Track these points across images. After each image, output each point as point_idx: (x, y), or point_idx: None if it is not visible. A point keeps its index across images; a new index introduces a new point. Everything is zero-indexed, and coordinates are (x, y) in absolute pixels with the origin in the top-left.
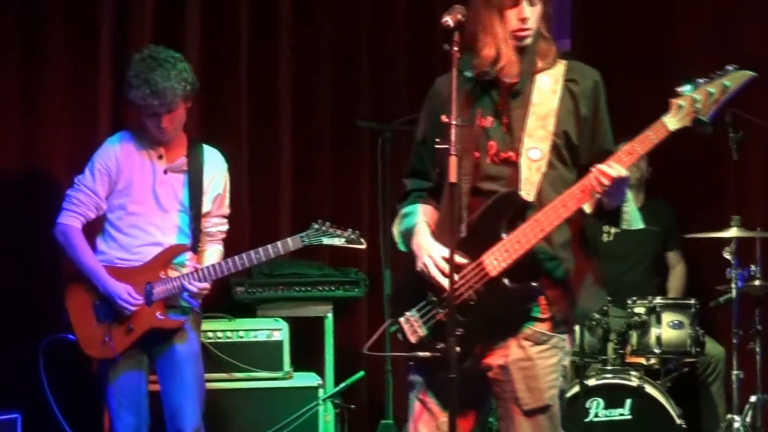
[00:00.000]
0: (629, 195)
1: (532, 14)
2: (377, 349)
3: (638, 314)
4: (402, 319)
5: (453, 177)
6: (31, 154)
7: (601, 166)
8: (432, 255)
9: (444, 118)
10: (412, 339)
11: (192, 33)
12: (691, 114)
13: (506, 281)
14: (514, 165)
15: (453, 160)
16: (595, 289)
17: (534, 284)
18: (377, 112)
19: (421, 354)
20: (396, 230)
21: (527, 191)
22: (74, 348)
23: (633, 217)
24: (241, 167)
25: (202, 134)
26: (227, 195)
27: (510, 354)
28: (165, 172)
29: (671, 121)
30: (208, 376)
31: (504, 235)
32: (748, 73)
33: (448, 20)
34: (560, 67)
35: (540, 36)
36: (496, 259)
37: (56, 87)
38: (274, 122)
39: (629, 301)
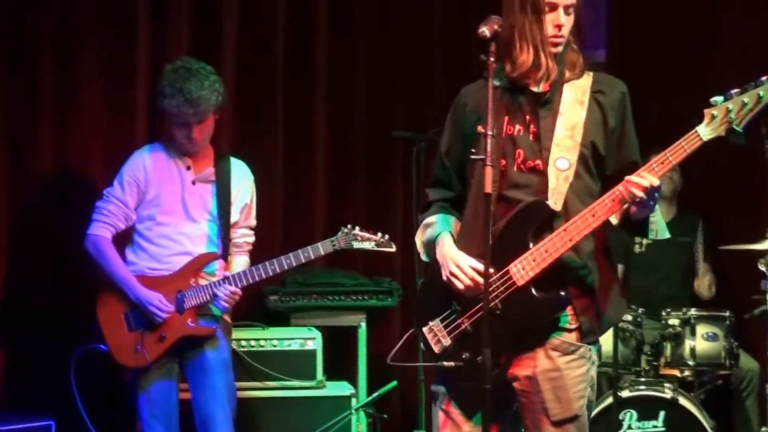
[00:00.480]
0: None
1: (567, 22)
2: (409, 359)
3: (672, 326)
4: (425, 329)
5: (488, 188)
6: (65, 156)
7: (633, 177)
8: (459, 264)
9: (480, 129)
10: (436, 349)
11: (228, 46)
12: (725, 123)
13: (534, 291)
14: (542, 174)
15: (488, 171)
16: (620, 299)
17: (562, 293)
18: (411, 122)
19: (446, 363)
20: (419, 240)
21: (554, 200)
22: (106, 358)
23: (660, 227)
24: (275, 178)
25: (237, 145)
26: (254, 206)
27: (538, 365)
28: (193, 182)
29: (705, 131)
30: (241, 384)
31: (531, 245)
32: None
33: (485, 30)
34: (587, 79)
35: (569, 47)
36: (523, 268)
37: (91, 89)
38: (309, 132)
39: (663, 313)
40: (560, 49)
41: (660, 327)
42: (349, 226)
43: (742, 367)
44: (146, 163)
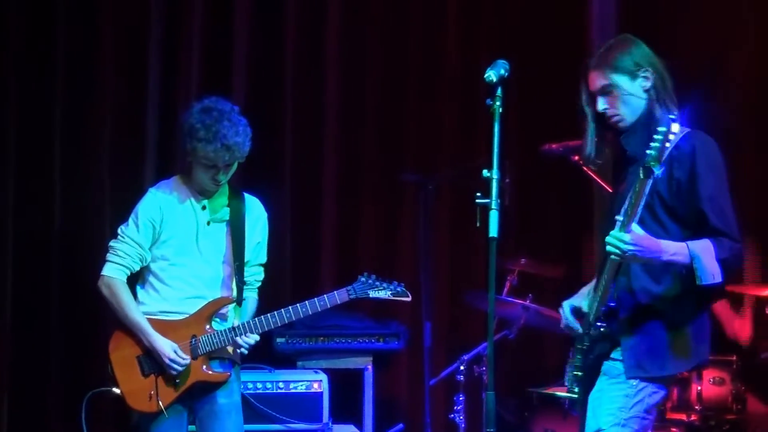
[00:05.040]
0: (696, 252)
1: (608, 103)
2: (417, 406)
3: None
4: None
5: (493, 231)
6: (76, 192)
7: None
8: (563, 304)
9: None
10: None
11: (237, 83)
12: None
13: (599, 324)
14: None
15: (494, 215)
16: (688, 347)
17: (599, 324)
18: (421, 166)
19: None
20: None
21: None
22: (116, 401)
23: (703, 273)
24: (284, 217)
25: (247, 183)
26: (266, 244)
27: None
28: (208, 223)
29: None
30: (247, 427)
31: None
32: None
33: (491, 75)
34: (671, 137)
35: (650, 110)
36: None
37: (104, 125)
38: (318, 173)
39: None
40: (622, 124)
41: None
42: (365, 274)
43: (751, 412)
44: (161, 203)
